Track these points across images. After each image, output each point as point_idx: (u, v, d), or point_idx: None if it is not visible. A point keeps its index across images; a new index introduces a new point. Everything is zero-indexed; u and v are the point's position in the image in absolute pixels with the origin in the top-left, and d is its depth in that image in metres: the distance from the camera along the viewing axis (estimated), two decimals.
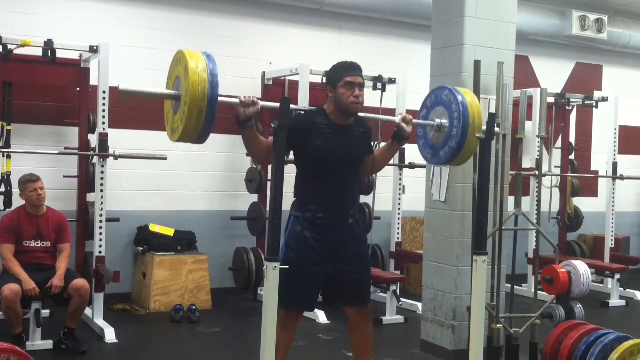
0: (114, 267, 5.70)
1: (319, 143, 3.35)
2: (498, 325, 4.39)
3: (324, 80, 6.41)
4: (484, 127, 3.45)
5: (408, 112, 6.54)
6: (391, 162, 6.61)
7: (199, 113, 2.68)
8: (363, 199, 6.95)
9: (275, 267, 2.86)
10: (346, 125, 3.43)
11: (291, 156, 3.48)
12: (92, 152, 5.57)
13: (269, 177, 2.98)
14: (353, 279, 3.48)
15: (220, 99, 2.74)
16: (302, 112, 3.58)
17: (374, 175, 6.78)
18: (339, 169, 3.40)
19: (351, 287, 3.49)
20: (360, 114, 3.50)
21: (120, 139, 5.89)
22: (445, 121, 3.36)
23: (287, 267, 3.11)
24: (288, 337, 3.43)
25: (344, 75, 3.35)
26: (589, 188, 8.69)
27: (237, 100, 2.99)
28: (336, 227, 3.42)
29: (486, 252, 3.53)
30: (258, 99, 3.08)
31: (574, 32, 7.99)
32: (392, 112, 6.64)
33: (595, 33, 8.11)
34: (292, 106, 3.12)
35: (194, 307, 5.92)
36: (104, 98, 5.31)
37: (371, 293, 3.76)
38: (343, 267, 3.43)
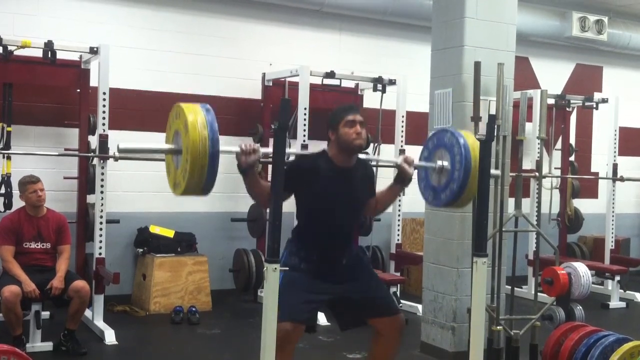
0: (114, 268, 5.69)
1: (320, 189, 3.36)
2: (498, 327, 4.39)
3: (324, 80, 6.46)
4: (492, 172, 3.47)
5: (408, 113, 6.61)
6: (391, 162, 6.68)
7: (200, 169, 2.68)
8: None
9: (276, 268, 2.85)
10: (348, 168, 3.42)
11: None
12: (92, 154, 5.57)
13: (269, 178, 2.97)
14: (373, 291, 3.45)
15: (220, 148, 2.73)
16: (305, 155, 3.60)
17: (374, 177, 6.78)
18: (340, 213, 3.40)
19: (366, 298, 3.43)
20: (361, 156, 3.51)
21: (121, 140, 5.87)
22: (447, 163, 3.37)
23: (285, 285, 3.08)
24: (286, 357, 3.26)
25: (344, 115, 3.37)
26: (589, 189, 8.68)
27: (237, 149, 2.99)
28: (331, 264, 3.40)
29: (486, 253, 3.52)
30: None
31: (574, 33, 8.00)
32: (392, 113, 6.65)
33: (595, 34, 8.11)
34: (295, 150, 3.08)
35: (194, 309, 5.92)
36: (104, 99, 5.30)
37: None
38: (350, 286, 3.40)
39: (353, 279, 3.43)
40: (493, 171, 3.59)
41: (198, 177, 2.69)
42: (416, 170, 3.48)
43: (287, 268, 3.18)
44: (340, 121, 3.36)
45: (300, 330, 3.31)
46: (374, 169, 4.67)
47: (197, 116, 2.71)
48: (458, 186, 3.28)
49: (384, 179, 6.82)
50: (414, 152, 6.88)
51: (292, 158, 3.75)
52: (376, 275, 3.65)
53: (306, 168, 3.40)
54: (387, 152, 6.69)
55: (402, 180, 3.47)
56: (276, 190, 2.89)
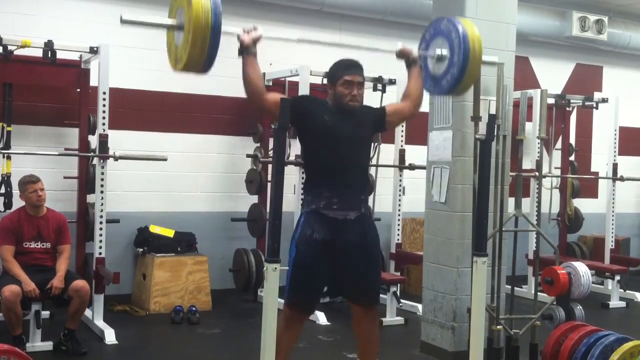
0: (114, 268, 5.69)
1: (325, 118, 3.40)
2: (498, 327, 4.39)
3: (325, 79, 6.45)
4: (484, 57, 3.53)
5: None
6: (391, 163, 6.68)
7: (202, 41, 2.69)
8: None
9: (275, 268, 2.85)
10: (349, 110, 3.47)
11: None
12: (92, 153, 5.58)
13: (269, 178, 2.98)
14: (361, 278, 3.48)
15: (223, 28, 2.74)
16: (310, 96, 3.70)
17: (374, 177, 6.78)
18: (346, 146, 3.42)
19: (358, 285, 3.50)
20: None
21: (121, 140, 5.90)
22: (445, 51, 3.39)
23: (296, 267, 3.12)
24: (291, 338, 3.44)
25: (343, 73, 3.41)
26: (589, 189, 8.68)
27: (239, 29, 3.02)
28: (348, 219, 3.40)
29: (486, 253, 3.53)
30: (255, 27, 3.13)
31: (574, 33, 7.99)
32: None
33: (595, 34, 8.11)
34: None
35: (194, 308, 5.92)
36: (104, 99, 5.30)
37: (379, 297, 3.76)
38: (352, 265, 3.44)
39: (356, 261, 3.44)
40: (490, 58, 3.66)
41: (200, 49, 2.70)
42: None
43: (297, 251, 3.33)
44: (338, 78, 3.41)
45: (302, 316, 3.48)
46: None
47: None
48: (458, 69, 3.31)
49: (384, 179, 6.89)
50: (414, 152, 6.89)
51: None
52: (377, 257, 3.65)
53: (311, 100, 3.51)
54: (387, 152, 6.70)
55: (413, 61, 3.59)
56: (276, 190, 2.89)
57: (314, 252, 3.37)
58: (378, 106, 3.73)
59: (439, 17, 3.57)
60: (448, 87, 3.41)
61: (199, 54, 2.71)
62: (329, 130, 3.39)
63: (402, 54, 3.59)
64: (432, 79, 3.50)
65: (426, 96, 5.03)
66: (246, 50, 3.17)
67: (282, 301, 3.36)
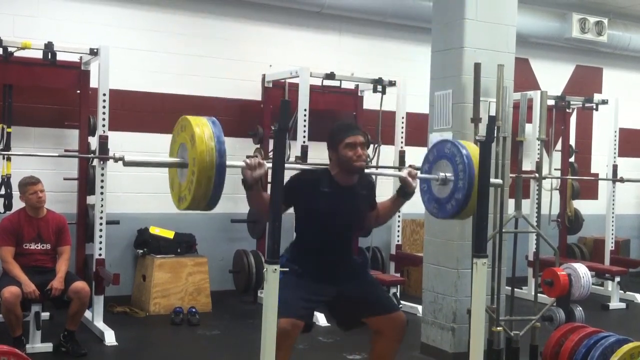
0: (114, 269, 5.70)
1: (321, 206, 3.37)
2: (498, 328, 4.39)
3: (324, 80, 6.46)
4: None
5: (408, 114, 6.61)
6: (390, 164, 6.69)
7: (207, 181, 2.68)
8: None
9: (276, 269, 2.85)
10: (350, 186, 3.43)
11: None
12: (92, 155, 5.58)
13: (269, 179, 2.97)
14: (366, 293, 3.46)
15: (227, 162, 2.74)
16: (309, 171, 3.59)
17: (374, 178, 6.78)
18: (339, 231, 3.44)
19: (368, 299, 3.45)
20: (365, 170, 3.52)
21: (121, 142, 5.90)
22: (450, 174, 3.37)
23: (286, 281, 3.09)
24: (284, 355, 3.23)
25: (344, 136, 3.36)
26: (589, 190, 8.68)
27: (243, 164, 2.99)
28: (330, 276, 3.42)
29: (486, 254, 3.51)
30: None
31: (574, 35, 8.00)
32: (392, 114, 6.65)
33: (595, 35, 8.11)
34: (300, 166, 3.04)
35: (193, 310, 5.91)
36: (104, 100, 5.31)
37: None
38: (349, 289, 3.42)
39: (349, 280, 3.45)
40: (494, 180, 3.61)
41: (205, 189, 2.70)
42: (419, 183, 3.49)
43: (287, 269, 3.18)
44: (340, 142, 3.36)
45: (298, 327, 3.30)
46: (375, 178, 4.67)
47: (203, 128, 2.71)
48: (463, 195, 3.28)
49: (384, 180, 6.87)
50: (414, 152, 6.89)
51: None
52: (372, 277, 3.67)
53: (307, 184, 3.41)
54: (387, 153, 6.70)
55: (405, 193, 3.48)
56: (276, 192, 2.89)
57: (306, 277, 3.36)
58: (371, 183, 3.62)
59: (443, 140, 3.54)
60: (453, 211, 3.38)
61: (203, 193, 2.71)
62: (324, 219, 3.37)
63: (404, 182, 3.43)
64: (436, 202, 3.47)
65: (427, 97, 5.07)
66: (249, 187, 3.11)
67: None
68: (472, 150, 3.32)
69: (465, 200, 3.30)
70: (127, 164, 2.84)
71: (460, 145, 3.34)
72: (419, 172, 3.47)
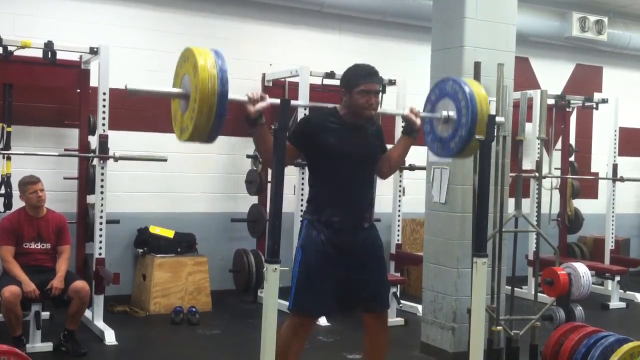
0: (114, 268, 5.69)
1: (332, 141, 3.32)
2: (498, 327, 4.39)
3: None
4: (491, 112, 3.45)
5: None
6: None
7: (209, 110, 2.66)
8: None
9: (275, 269, 2.85)
10: (359, 125, 3.40)
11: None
12: (92, 154, 5.57)
13: (269, 178, 2.96)
14: (369, 284, 3.44)
15: (229, 96, 2.73)
16: (316, 111, 3.56)
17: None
18: (354, 167, 3.36)
19: (367, 291, 3.44)
20: None
21: (121, 141, 5.89)
22: (452, 113, 3.35)
23: (303, 269, 3.10)
24: (299, 343, 3.36)
25: (361, 81, 3.30)
26: (589, 190, 8.68)
27: (245, 98, 2.97)
28: (352, 230, 3.38)
29: (486, 254, 3.53)
30: (263, 97, 3.06)
31: (574, 34, 7.99)
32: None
33: (595, 34, 8.11)
34: (309, 104, 3.03)
35: (194, 309, 5.91)
36: (104, 99, 5.31)
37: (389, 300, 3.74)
38: (358, 272, 3.39)
39: (363, 263, 3.41)
40: (499, 118, 3.60)
41: (206, 118, 2.67)
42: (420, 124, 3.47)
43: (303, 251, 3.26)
44: (355, 86, 3.30)
45: (310, 321, 3.42)
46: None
47: (207, 57, 2.70)
48: (467, 131, 3.25)
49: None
50: (414, 153, 6.91)
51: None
52: (384, 265, 3.62)
53: (316, 124, 3.38)
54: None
55: (410, 130, 3.45)
56: (276, 191, 2.89)
57: (321, 252, 3.32)
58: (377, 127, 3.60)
59: (444, 77, 3.52)
60: (457, 149, 3.35)
61: (205, 122, 2.68)
62: (337, 154, 3.32)
63: (407, 120, 3.42)
64: (439, 141, 3.44)
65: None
66: (253, 122, 3.05)
67: (282, 302, 3.35)
68: (474, 87, 3.31)
69: (469, 137, 3.27)
70: (130, 92, 2.77)
71: (462, 82, 3.33)
72: (420, 111, 3.46)
